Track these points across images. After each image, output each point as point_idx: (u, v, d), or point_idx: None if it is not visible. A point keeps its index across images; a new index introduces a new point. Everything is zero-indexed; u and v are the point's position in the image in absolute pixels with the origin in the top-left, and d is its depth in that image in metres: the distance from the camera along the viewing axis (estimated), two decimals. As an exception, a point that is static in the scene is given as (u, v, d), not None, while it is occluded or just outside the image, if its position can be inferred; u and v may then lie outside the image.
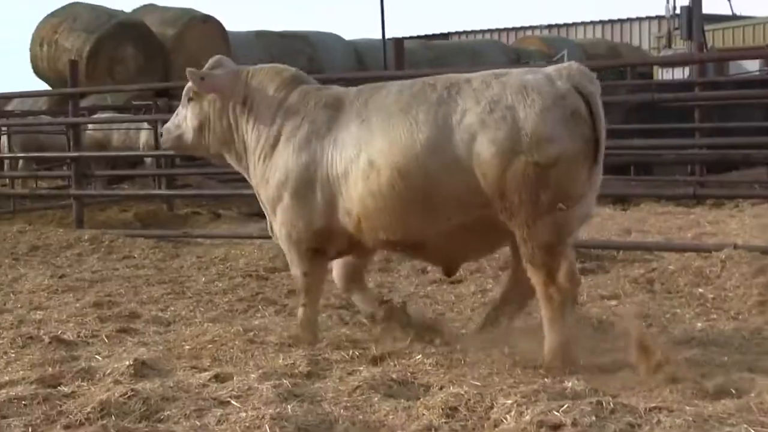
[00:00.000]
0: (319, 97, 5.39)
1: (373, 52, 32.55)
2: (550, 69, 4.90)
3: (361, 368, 4.65)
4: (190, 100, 5.75)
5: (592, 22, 41.63)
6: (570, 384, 4.16)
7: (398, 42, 9.46)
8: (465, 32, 43.90)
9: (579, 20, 41.98)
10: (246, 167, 5.60)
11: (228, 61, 5.84)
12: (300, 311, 5.48)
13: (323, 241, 5.27)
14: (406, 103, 4.99)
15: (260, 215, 13.12)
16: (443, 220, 4.92)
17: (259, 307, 6.45)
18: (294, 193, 5.25)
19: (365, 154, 5.01)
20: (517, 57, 35.49)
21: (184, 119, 5.77)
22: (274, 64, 5.83)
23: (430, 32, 43.76)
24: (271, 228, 5.58)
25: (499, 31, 43.25)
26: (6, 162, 18.03)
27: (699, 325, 5.67)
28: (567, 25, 42.01)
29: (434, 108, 4.89)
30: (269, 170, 5.38)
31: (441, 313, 6.16)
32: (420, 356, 4.78)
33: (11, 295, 7.34)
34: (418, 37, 42.21)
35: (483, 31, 43.58)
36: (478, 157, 4.72)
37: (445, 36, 43.46)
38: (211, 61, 5.82)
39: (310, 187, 5.20)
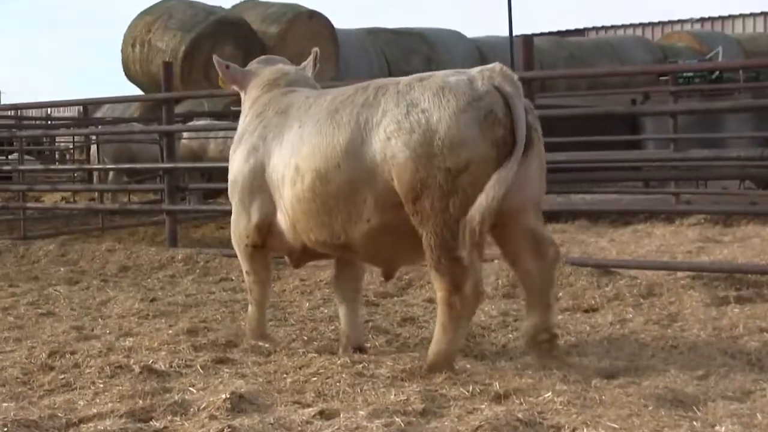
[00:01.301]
0: (279, 102, 6.22)
1: (499, 51, 32.48)
2: (475, 70, 5.36)
3: (483, 406, 4.64)
4: None
5: (752, 14, 40.77)
6: (723, 429, 4.08)
7: (527, 39, 9.42)
8: (603, 27, 43.52)
9: (736, 12, 41.17)
10: None
11: (277, 60, 6.88)
12: (248, 310, 6.51)
13: (262, 237, 6.14)
14: (335, 107, 5.64)
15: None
16: (363, 221, 5.48)
17: (369, 336, 6.48)
18: (241, 195, 6.17)
19: (294, 159, 5.74)
20: (664, 55, 35.00)
21: None
22: (276, 67, 6.69)
23: (563, 28, 43.48)
24: None
25: (643, 25, 42.75)
26: (95, 174, 18.59)
27: None
28: (722, 18, 41.25)
29: (357, 110, 5.49)
30: (229, 171, 6.30)
31: (574, 345, 6.10)
32: (549, 393, 4.74)
33: (99, 319, 7.54)
34: (550, 33, 41.99)
35: (624, 26, 43.14)
36: (392, 160, 5.24)
37: (580, 32, 43.14)
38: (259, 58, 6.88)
39: (255, 190, 6.07)
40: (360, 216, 5.47)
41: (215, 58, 6.74)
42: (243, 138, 6.26)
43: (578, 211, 13.42)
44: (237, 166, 6.19)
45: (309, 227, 5.74)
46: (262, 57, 7.04)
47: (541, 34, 41.61)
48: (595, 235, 12.66)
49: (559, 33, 42.41)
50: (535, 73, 9.61)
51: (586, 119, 18.26)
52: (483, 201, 4.98)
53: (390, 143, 5.26)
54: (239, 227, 6.24)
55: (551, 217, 13.93)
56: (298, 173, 5.67)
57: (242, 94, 6.70)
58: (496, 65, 5.37)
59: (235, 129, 6.58)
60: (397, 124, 5.26)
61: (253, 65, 6.81)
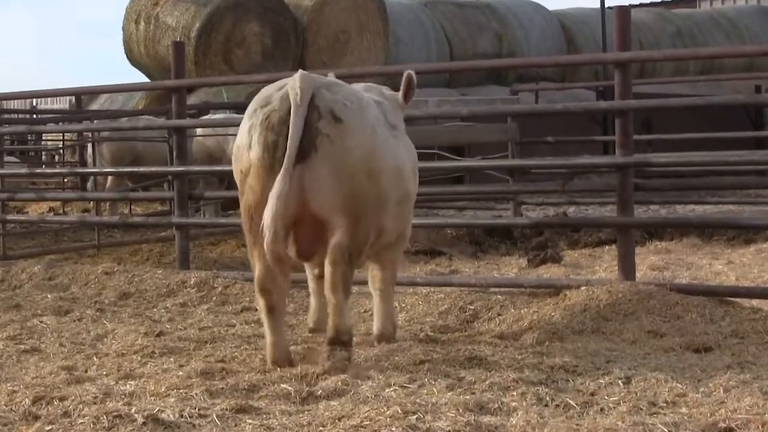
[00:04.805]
0: None
1: (588, 26, 32.47)
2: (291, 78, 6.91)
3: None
4: None
5: None
6: None
7: (623, 12, 9.37)
8: (719, -4, 43.20)
9: None
10: None
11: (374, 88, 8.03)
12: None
13: None
14: None
15: (429, 253, 13.26)
16: None
17: (425, 380, 6.48)
18: None
19: None
20: (794, 30, 34.72)
21: None
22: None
23: (668, -3, 43.25)
24: None
25: (768, -7, 42.35)
26: (89, 179, 18.73)
27: None
28: None
29: None
30: None
31: (681, 394, 6.05)
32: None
33: (94, 358, 7.59)
34: (652, 4, 41.82)
35: (745, -5, 42.78)
36: None
37: (690, 2, 42.90)
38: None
39: None
40: None
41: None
42: None
43: (687, 225, 13.34)
44: None
45: None
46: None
47: (641, 5, 41.47)
48: (709, 255, 12.58)
49: (664, 3, 42.23)
50: (632, 54, 9.57)
51: (697, 111, 18.23)
52: (265, 218, 6.56)
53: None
54: None
55: (653, 232, 13.88)
56: None
57: None
58: (298, 73, 6.88)
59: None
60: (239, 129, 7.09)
61: None
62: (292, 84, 6.76)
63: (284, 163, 6.58)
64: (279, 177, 6.57)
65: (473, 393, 6.14)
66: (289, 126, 6.63)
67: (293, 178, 6.62)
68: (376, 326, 7.74)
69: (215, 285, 10.28)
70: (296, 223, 6.84)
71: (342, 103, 6.89)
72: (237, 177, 7.03)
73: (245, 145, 6.86)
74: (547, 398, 5.97)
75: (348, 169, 6.81)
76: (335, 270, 6.88)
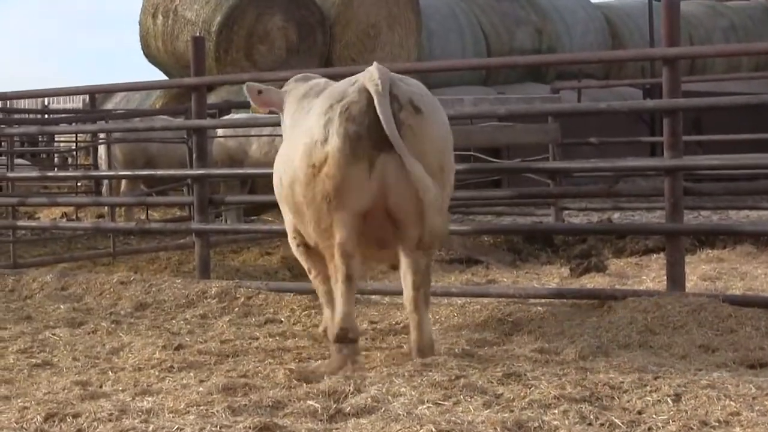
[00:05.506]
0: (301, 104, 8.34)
1: (634, 21, 32.38)
2: (362, 73, 7.30)
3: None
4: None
5: None
6: None
7: (671, 4, 9.34)
8: (777, -13, 42.98)
9: None
10: None
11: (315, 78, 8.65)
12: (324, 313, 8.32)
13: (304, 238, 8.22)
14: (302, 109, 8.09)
15: (465, 262, 13.26)
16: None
17: (461, 397, 6.47)
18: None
19: None
20: None
21: None
22: (310, 82, 8.46)
23: (721, -11, 43.01)
24: None
25: (830, -16, 42.09)
26: (104, 183, 18.78)
27: None
28: None
29: (304, 113, 7.84)
30: None
31: (734, 413, 6.03)
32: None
33: (109, 372, 7.61)
34: (703, -5, 41.53)
35: (804, -14, 42.54)
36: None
37: (745, -7, 42.61)
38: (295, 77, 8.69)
39: None
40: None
41: (247, 85, 8.57)
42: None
43: (741, 232, 13.28)
44: None
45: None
46: (300, 75, 8.64)
47: (692, -3, 41.28)
48: (764, 265, 12.50)
49: (716, -5, 42.02)
50: (681, 49, 9.54)
51: (751, 110, 18.14)
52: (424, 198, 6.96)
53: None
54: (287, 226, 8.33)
55: (704, 240, 13.81)
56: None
57: (281, 116, 8.58)
58: (373, 67, 7.21)
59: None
60: (305, 127, 7.44)
61: (290, 84, 8.52)
62: (370, 76, 7.10)
63: (398, 150, 6.91)
64: (406, 160, 6.91)
65: (512, 411, 6.12)
66: (370, 117, 7.01)
67: (375, 170, 7.04)
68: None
69: (237, 295, 10.28)
70: (368, 216, 7.20)
71: (418, 93, 7.25)
72: (305, 172, 7.25)
73: (319, 140, 7.14)
74: (591, 417, 5.95)
75: (426, 161, 7.07)
76: (418, 289, 7.41)
